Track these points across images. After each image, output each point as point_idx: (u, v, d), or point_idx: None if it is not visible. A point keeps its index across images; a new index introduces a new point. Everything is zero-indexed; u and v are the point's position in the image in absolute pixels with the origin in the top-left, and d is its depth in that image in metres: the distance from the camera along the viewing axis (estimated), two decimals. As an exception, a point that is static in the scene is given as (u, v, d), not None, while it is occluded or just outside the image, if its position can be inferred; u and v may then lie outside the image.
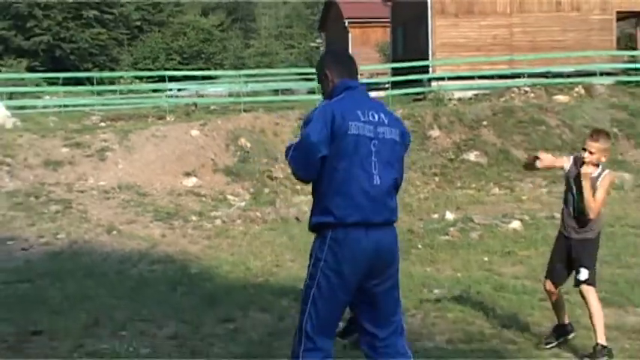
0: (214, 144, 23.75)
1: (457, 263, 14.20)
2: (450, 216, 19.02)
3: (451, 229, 17.65)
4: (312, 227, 6.15)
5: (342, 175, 5.93)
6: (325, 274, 5.98)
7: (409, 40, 44.00)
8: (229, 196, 21.23)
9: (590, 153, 8.58)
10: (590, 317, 8.71)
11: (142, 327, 10.11)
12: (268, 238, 16.86)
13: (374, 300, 6.15)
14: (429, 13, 39.59)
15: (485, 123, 27.50)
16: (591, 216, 8.69)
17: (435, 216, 19.36)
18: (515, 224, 17.95)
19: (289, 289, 11.78)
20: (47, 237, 17.42)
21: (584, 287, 8.67)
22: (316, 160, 5.92)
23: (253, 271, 13.53)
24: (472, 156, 25.67)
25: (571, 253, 8.89)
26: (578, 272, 8.77)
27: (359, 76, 6.39)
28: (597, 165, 8.69)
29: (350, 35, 56.44)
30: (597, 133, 8.82)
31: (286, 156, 6.13)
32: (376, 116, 6.07)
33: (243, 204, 21.00)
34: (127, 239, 17.33)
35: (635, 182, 23.49)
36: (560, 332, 9.19)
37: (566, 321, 9.24)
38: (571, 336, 9.17)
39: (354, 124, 5.94)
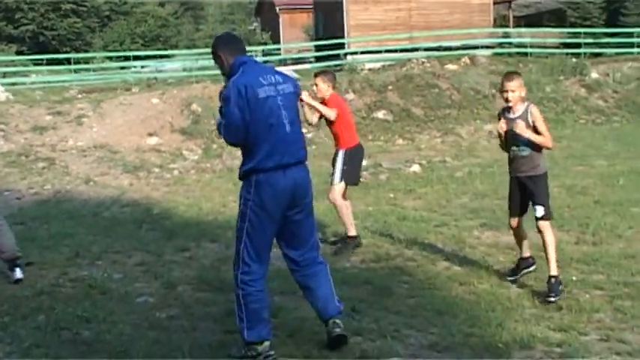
0: (171, 109, 23.53)
1: (369, 200, 14.24)
2: (363, 163, 19.05)
3: (364, 172, 17.66)
4: (242, 175, 6.21)
5: (262, 131, 6.00)
6: (254, 211, 6.08)
7: (329, 23, 43.85)
8: (184, 152, 21.09)
9: (512, 91, 7.99)
10: (545, 249, 7.96)
11: (115, 257, 10.06)
12: (217, 184, 16.78)
13: (295, 227, 6.29)
14: (344, 0, 39.57)
15: (390, 87, 27.53)
16: (549, 146, 7.98)
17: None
18: (415, 167, 18.06)
19: (234, 224, 11.75)
20: (36, 188, 17.24)
21: (541, 223, 7.95)
22: (241, 129, 5.99)
23: (204, 210, 13.48)
24: (380, 114, 25.70)
25: (525, 192, 8.14)
26: (534, 209, 8.03)
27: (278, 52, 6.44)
28: (521, 102, 8.04)
29: (280, 19, 56.05)
30: (509, 74, 8.29)
31: (219, 132, 6.20)
32: (273, 78, 6.15)
33: (196, 157, 20.89)
34: (101, 188, 17.20)
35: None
36: (523, 265, 8.47)
37: (527, 254, 8.47)
38: (532, 268, 8.43)
39: (260, 89, 6.00)
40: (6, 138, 21.34)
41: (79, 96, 27.45)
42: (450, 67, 31.09)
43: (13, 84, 33.09)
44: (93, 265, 9.58)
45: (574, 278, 8.34)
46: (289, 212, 6.20)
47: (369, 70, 32.71)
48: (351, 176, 10.41)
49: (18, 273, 8.84)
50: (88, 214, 13.86)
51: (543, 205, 7.97)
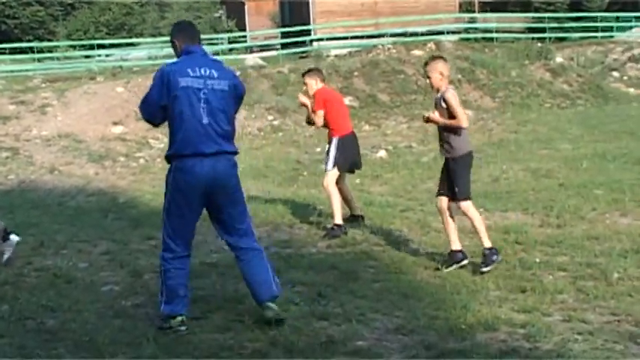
0: (136, 98, 23.35)
1: (335, 186, 14.28)
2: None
3: (325, 159, 17.77)
4: (165, 159, 6.62)
5: (179, 118, 6.31)
6: (173, 196, 6.47)
7: (295, 10, 43.85)
8: (150, 140, 21.00)
9: (429, 77, 8.32)
10: (473, 226, 8.27)
11: (80, 246, 10.03)
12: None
13: (222, 215, 6.62)
14: (310, -14, 39.60)
15: (356, 74, 27.57)
16: (461, 125, 8.12)
17: (318, 149, 19.39)
18: (382, 153, 18.16)
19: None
20: (0, 178, 17.13)
21: (462, 202, 8.18)
22: (157, 109, 6.43)
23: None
24: (347, 100, 25.46)
25: (448, 172, 8.33)
26: (453, 189, 8.21)
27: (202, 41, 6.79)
28: (442, 85, 8.24)
29: (246, 7, 55.86)
30: (431, 58, 8.57)
31: (139, 107, 6.62)
32: (207, 71, 6.41)
33: (162, 146, 20.77)
34: (66, 178, 17.12)
35: (475, 117, 23.82)
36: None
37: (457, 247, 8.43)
38: (466, 262, 8.32)
39: (183, 79, 6.29)
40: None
41: (43, 85, 27.25)
42: (416, 52, 31.12)
43: (-25, 74, 32.83)
44: (58, 255, 9.54)
45: (538, 260, 8.42)
46: (212, 200, 6.51)
47: (335, 56, 32.68)
48: (346, 163, 10.57)
49: None
50: (52, 203, 13.80)
51: (458, 187, 8.17)
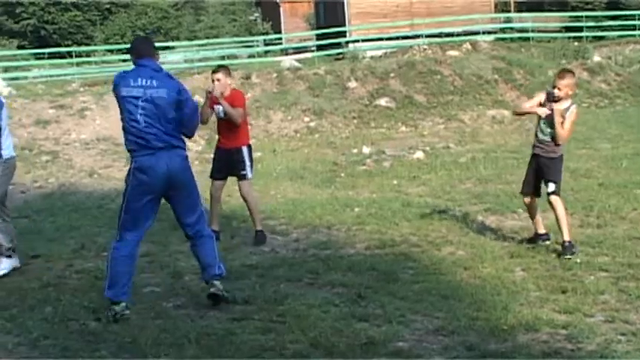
0: (174, 101, 23.54)
1: (373, 187, 14.28)
2: (366, 150, 19.12)
3: (367, 160, 17.76)
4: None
5: (125, 123, 7.28)
6: (126, 186, 7.36)
7: (329, 12, 43.85)
8: (188, 143, 20.98)
9: (559, 89, 8.84)
10: (557, 220, 8.85)
11: (120, 249, 10.07)
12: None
13: (175, 205, 7.50)
14: (345, -12, 39.60)
15: (392, 75, 27.45)
16: (560, 142, 9.02)
17: (355, 151, 19.45)
18: (419, 154, 18.08)
19: (238, 213, 11.80)
20: (40, 182, 17.29)
21: (552, 197, 8.89)
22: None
23: (209, 200, 13.46)
24: (383, 101, 25.65)
25: (540, 170, 9.14)
26: (547, 185, 9.02)
27: (156, 55, 7.60)
28: (566, 99, 8.93)
29: (281, 9, 55.94)
30: (562, 72, 9.18)
31: None
32: (148, 82, 7.20)
33: (199, 148, 20.90)
34: (105, 181, 17.24)
35: (513, 117, 23.68)
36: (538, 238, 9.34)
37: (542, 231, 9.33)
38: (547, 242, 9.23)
39: (124, 89, 7.22)
40: (10, 132, 21.34)
41: (82, 89, 27.44)
42: (452, 53, 31.00)
43: (15, 78, 33.12)
44: (98, 257, 9.58)
45: (578, 261, 8.39)
46: (166, 192, 7.32)
47: (371, 57, 32.65)
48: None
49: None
50: (92, 206, 13.90)
51: (556, 182, 8.99)
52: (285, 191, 14.01)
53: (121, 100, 7.26)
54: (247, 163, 10.37)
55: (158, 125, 7.19)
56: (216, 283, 7.34)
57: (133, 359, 5.91)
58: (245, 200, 10.52)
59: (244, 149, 10.38)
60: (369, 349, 6.02)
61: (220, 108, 10.12)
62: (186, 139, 7.56)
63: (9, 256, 8.94)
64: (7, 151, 9.08)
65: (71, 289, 8.08)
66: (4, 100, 9.05)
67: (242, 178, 10.41)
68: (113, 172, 18.26)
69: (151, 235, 10.66)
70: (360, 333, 6.35)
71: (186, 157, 7.54)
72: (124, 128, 7.34)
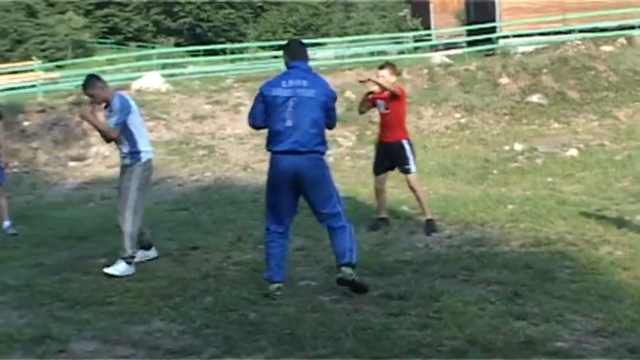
0: (325, 97, 23.74)
1: (526, 184, 14.07)
2: (518, 147, 18.85)
3: (520, 157, 17.52)
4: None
5: (271, 121, 7.58)
6: (267, 182, 7.85)
7: (480, 8, 43.30)
8: (338, 138, 21.23)
9: None
10: None
11: (276, 242, 10.23)
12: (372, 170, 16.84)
13: (308, 198, 7.77)
14: (496, -16, 39.05)
15: (545, 71, 26.92)
16: None
17: (506, 147, 19.19)
18: (573, 152, 17.71)
19: (392, 210, 11.80)
20: (197, 175, 17.78)
21: None
22: (259, 117, 7.72)
23: (361, 196, 13.53)
24: (535, 98, 25.21)
25: None
26: None
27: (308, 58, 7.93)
28: None
29: (431, 5, 55.61)
30: None
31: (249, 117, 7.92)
32: (298, 82, 7.54)
33: (350, 144, 21.05)
34: (259, 175, 17.48)
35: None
36: None
37: None
38: None
39: (274, 89, 7.56)
40: (168, 127, 22.03)
41: (235, 85, 27.98)
42: (606, 48, 30.14)
43: (172, 75, 34.04)
44: (255, 250, 9.76)
45: None
46: (300, 189, 7.66)
47: (522, 53, 32.07)
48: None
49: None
50: (247, 199, 14.17)
51: None
52: (437, 187, 13.94)
53: (272, 100, 7.53)
54: (410, 157, 10.57)
55: (305, 125, 7.50)
56: (345, 269, 7.58)
57: (292, 351, 5.97)
58: (413, 191, 10.76)
59: (405, 143, 10.57)
60: (528, 347, 5.91)
61: (382, 103, 10.33)
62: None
63: (129, 263, 8.82)
64: (145, 153, 9.13)
65: (230, 280, 8.24)
66: (133, 104, 9.15)
67: (407, 172, 10.63)
68: (266, 167, 18.51)
69: (305, 229, 10.83)
70: (519, 331, 6.24)
71: (322, 158, 7.79)
72: (269, 127, 7.66)
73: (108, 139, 9.32)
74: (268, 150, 7.75)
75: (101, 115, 9.22)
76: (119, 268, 8.72)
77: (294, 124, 7.46)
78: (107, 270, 8.68)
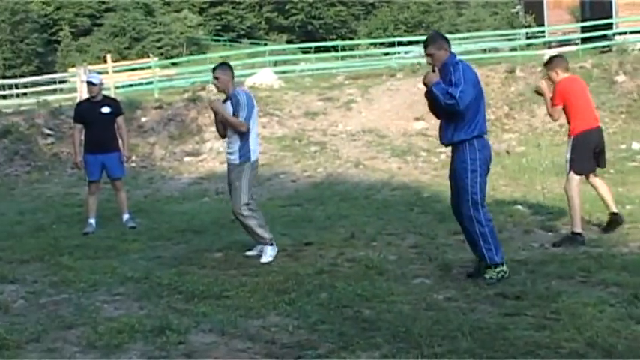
0: (437, 94, 23.58)
1: (651, 185, 13.73)
2: (636, 146, 18.37)
3: (638, 156, 17.08)
4: (460, 141, 7.87)
5: (477, 107, 7.86)
6: (481, 165, 7.84)
7: (595, 3, 42.39)
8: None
9: None
10: None
11: (389, 239, 10.24)
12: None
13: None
14: (612, -21, 38.18)
15: (664, 68, 26.22)
16: None
17: (623, 147, 18.71)
18: (695, 151, 17.21)
19: (505, 208, 11.64)
20: (309, 171, 17.86)
21: None
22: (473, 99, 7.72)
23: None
24: (655, 95, 24.55)
25: None
26: None
27: None
28: None
29: (544, 1, 54.69)
30: None
31: (453, 97, 7.57)
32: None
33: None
34: (370, 172, 17.55)
35: None
36: None
37: None
38: None
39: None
40: (281, 123, 22.23)
41: (347, 82, 28.06)
42: None
43: (284, 72, 34.40)
44: (368, 246, 9.78)
45: None
46: None
47: (640, 50, 31.29)
48: (585, 164, 9.93)
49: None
50: (360, 196, 14.19)
51: None
52: (552, 187, 13.67)
53: (476, 87, 7.82)
54: (568, 156, 9.88)
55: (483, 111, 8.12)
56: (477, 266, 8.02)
57: (408, 349, 5.94)
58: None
59: (570, 141, 9.95)
60: (650, 352, 5.75)
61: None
62: None
63: (271, 244, 9.33)
64: (254, 153, 9.27)
65: (344, 276, 8.25)
66: (255, 103, 9.27)
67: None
68: (378, 164, 18.55)
69: (418, 226, 10.79)
70: (639, 335, 6.08)
71: (465, 148, 7.87)
72: (475, 112, 7.81)
73: (222, 135, 9.49)
74: (477, 136, 7.84)
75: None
76: (268, 253, 9.27)
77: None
78: (262, 260, 9.17)
